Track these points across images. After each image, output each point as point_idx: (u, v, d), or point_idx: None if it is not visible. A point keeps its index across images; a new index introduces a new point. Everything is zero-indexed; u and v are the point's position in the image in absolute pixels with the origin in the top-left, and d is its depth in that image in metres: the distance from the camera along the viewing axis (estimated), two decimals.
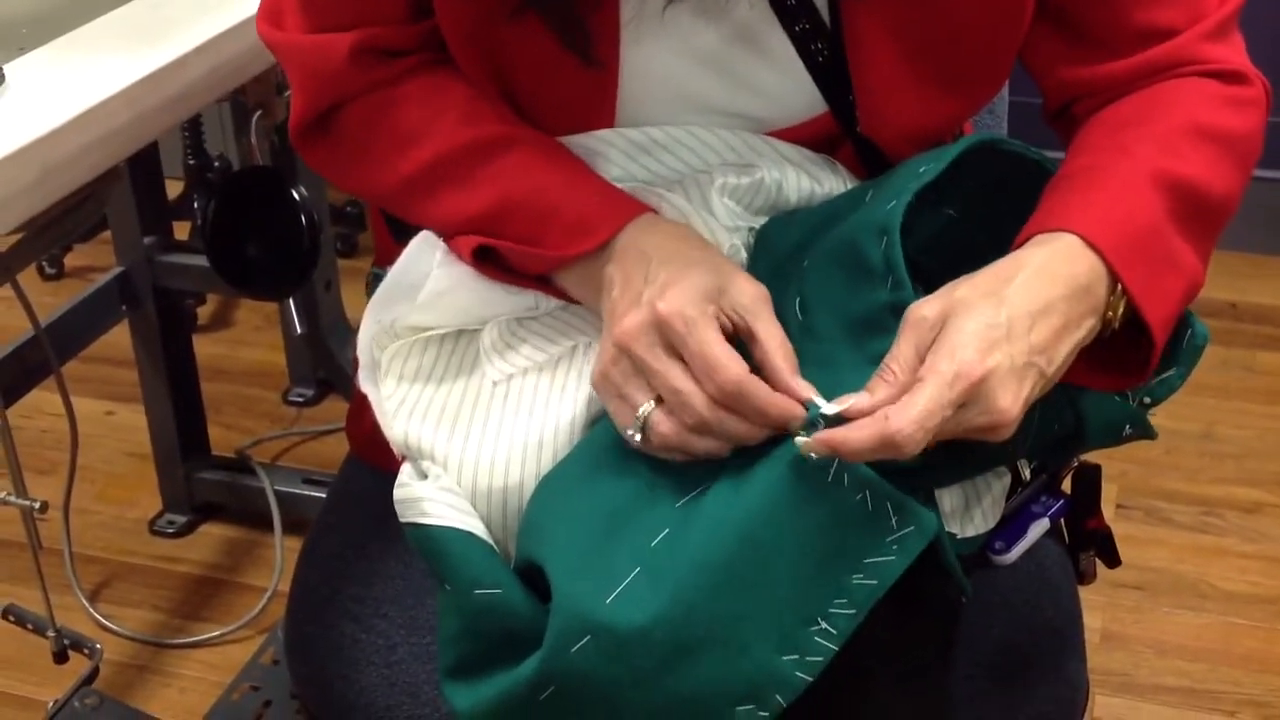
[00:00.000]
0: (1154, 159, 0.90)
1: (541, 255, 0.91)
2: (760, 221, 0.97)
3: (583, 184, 0.92)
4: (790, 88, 0.97)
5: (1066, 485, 1.09)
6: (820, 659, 0.79)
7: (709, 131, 0.96)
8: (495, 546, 0.89)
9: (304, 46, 0.97)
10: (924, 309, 0.82)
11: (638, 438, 0.85)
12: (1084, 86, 0.98)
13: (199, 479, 2.05)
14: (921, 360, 0.81)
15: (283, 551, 1.95)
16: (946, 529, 0.93)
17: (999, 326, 0.80)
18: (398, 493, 0.92)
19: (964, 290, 0.83)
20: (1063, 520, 1.10)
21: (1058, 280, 0.83)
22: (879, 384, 0.81)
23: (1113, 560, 1.11)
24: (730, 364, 0.82)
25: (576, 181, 0.92)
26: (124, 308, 1.92)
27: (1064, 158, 0.95)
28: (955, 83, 0.96)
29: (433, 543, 0.88)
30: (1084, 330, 0.85)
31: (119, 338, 2.03)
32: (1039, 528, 1.05)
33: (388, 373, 0.96)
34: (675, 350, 0.83)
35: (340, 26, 0.95)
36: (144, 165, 1.89)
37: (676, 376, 0.83)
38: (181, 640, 1.87)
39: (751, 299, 0.85)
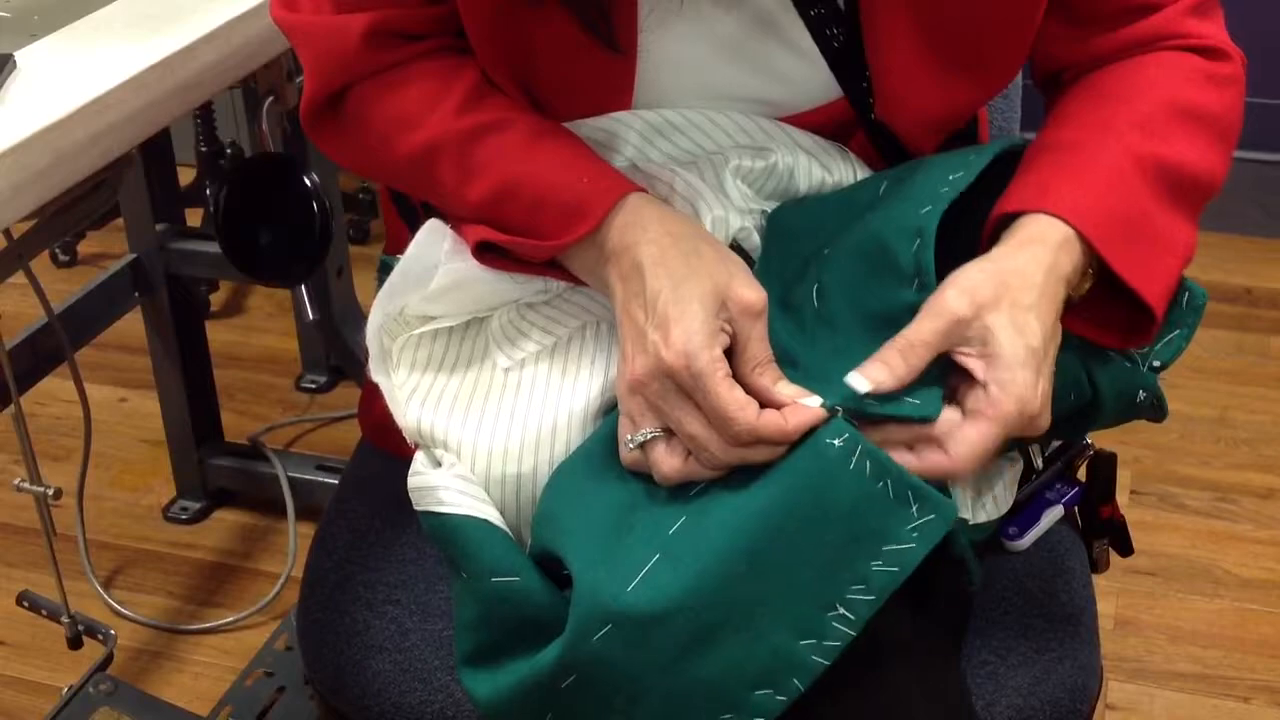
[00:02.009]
0: (1138, 142, 0.92)
1: (539, 245, 0.91)
2: (770, 206, 0.97)
3: (574, 165, 0.92)
4: (806, 73, 0.96)
5: (1082, 474, 1.09)
6: (838, 644, 0.80)
7: (723, 115, 0.96)
8: (511, 534, 0.89)
9: (317, 28, 0.97)
10: (957, 305, 0.83)
11: (633, 452, 0.85)
12: (1071, 60, 1.00)
13: (212, 465, 2.05)
14: (940, 349, 0.83)
15: (296, 538, 1.95)
16: (960, 515, 0.93)
17: (1038, 351, 0.83)
18: (412, 481, 0.92)
19: (991, 292, 0.84)
20: (1076, 508, 1.09)
21: (1059, 282, 0.87)
22: (895, 357, 0.83)
23: (1125, 549, 1.11)
24: (741, 415, 0.81)
25: (568, 163, 0.92)
26: (137, 295, 1.92)
27: (1046, 120, 0.98)
28: (973, 69, 0.96)
29: (449, 531, 0.88)
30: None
31: (132, 325, 2.04)
32: (1053, 514, 1.05)
33: (399, 362, 0.96)
34: (688, 393, 0.83)
35: (355, 8, 0.95)
36: (156, 152, 1.89)
37: (692, 423, 0.82)
38: (195, 626, 1.87)
39: (743, 311, 0.84)
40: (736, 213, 0.94)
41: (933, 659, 0.89)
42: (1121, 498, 2.05)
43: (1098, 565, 1.09)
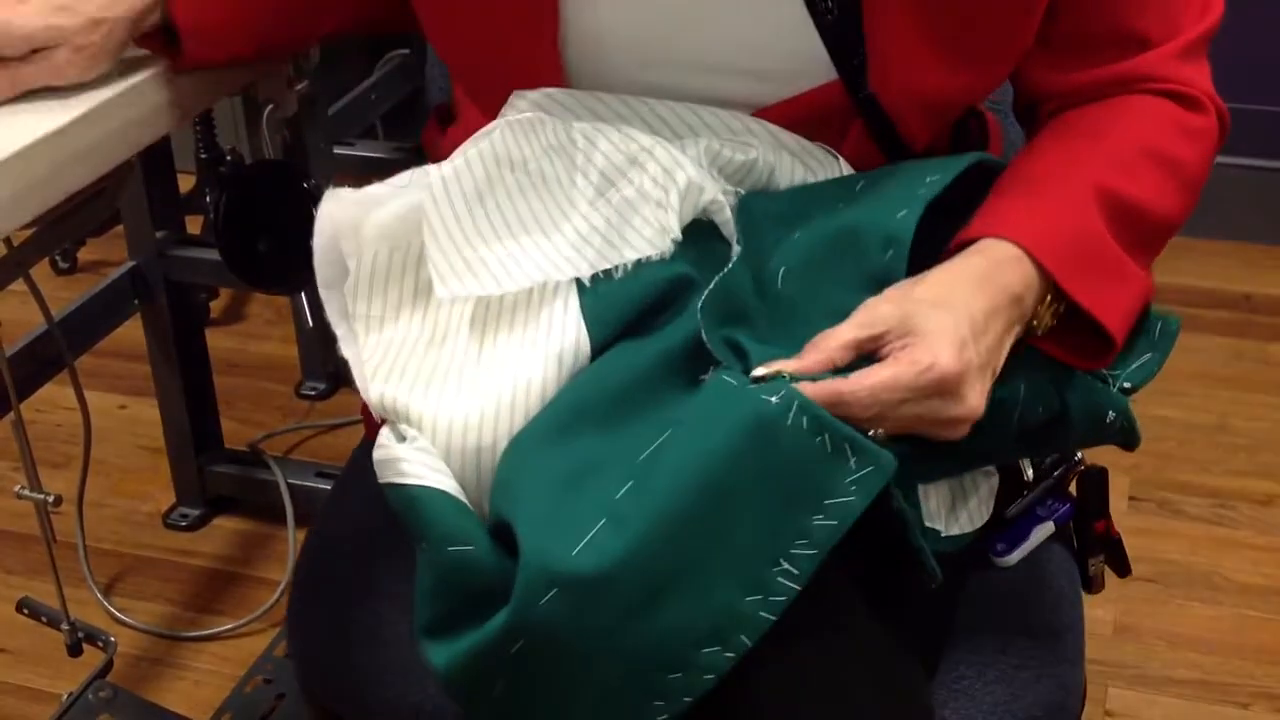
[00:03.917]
0: (1101, 174, 0.93)
1: None
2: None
3: None
4: (798, 49, 0.96)
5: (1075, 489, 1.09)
6: (783, 599, 0.80)
7: (710, 112, 0.96)
8: (469, 504, 0.90)
9: None
10: (881, 307, 0.85)
11: None
12: (1053, 90, 1.00)
13: (212, 472, 2.05)
14: (858, 342, 0.84)
15: (295, 545, 1.95)
16: (931, 526, 0.94)
17: (963, 324, 0.83)
18: (377, 454, 0.93)
19: (920, 291, 0.85)
20: (1071, 525, 1.09)
21: (998, 290, 0.87)
22: (808, 350, 0.84)
23: (1122, 569, 1.10)
24: None
25: None
26: (136, 302, 1.92)
27: (1018, 153, 0.98)
28: (970, 49, 0.96)
29: (408, 501, 0.89)
30: (1014, 336, 0.89)
31: (132, 332, 2.04)
32: (1043, 531, 1.05)
33: (363, 338, 0.96)
34: None
35: None
36: (156, 160, 1.89)
37: None
38: (195, 633, 1.87)
39: None
40: (711, 184, 0.93)
41: (888, 655, 0.88)
42: (1121, 504, 2.05)
43: (1093, 584, 1.09)
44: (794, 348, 0.87)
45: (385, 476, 0.91)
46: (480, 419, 0.90)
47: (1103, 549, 1.08)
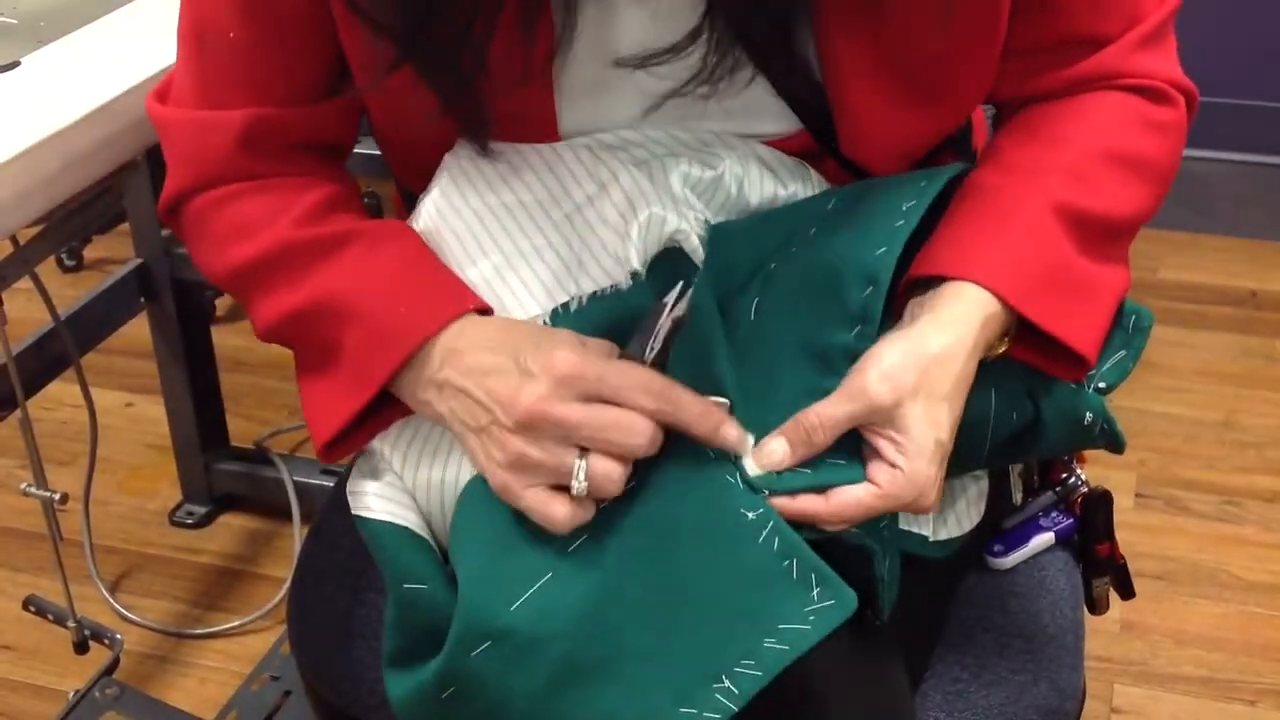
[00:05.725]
0: (1064, 191, 0.91)
1: (361, 384, 0.89)
2: (718, 220, 0.96)
3: (410, 283, 0.91)
4: (766, 115, 0.95)
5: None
6: (718, 717, 0.77)
7: (684, 130, 0.95)
8: (432, 541, 0.90)
9: (190, 123, 0.97)
10: (877, 392, 0.83)
11: (583, 490, 0.80)
12: (1016, 96, 0.99)
13: (218, 470, 2.06)
14: (849, 428, 0.83)
15: (301, 542, 1.95)
16: (918, 532, 0.93)
17: (944, 445, 0.84)
18: (349, 485, 0.94)
19: (912, 381, 0.84)
20: (1077, 545, 1.09)
21: (977, 356, 0.87)
22: (798, 435, 0.83)
23: (1126, 591, 1.10)
24: (656, 376, 0.81)
25: (403, 282, 0.91)
26: (142, 299, 1.93)
27: (981, 156, 0.98)
28: (936, 100, 0.95)
29: (373, 536, 0.90)
30: None
31: (138, 329, 2.04)
32: (1042, 540, 1.05)
33: None
34: (591, 397, 0.81)
35: (228, 104, 0.95)
36: (161, 158, 1.89)
37: (605, 411, 0.81)
38: (201, 630, 1.88)
39: (602, 349, 0.85)
40: (676, 214, 0.92)
41: (866, 670, 0.87)
42: (1127, 502, 2.05)
43: (1097, 605, 1.08)
44: (767, 382, 0.86)
45: (354, 509, 0.92)
46: (448, 453, 0.90)
47: (1108, 571, 1.08)
